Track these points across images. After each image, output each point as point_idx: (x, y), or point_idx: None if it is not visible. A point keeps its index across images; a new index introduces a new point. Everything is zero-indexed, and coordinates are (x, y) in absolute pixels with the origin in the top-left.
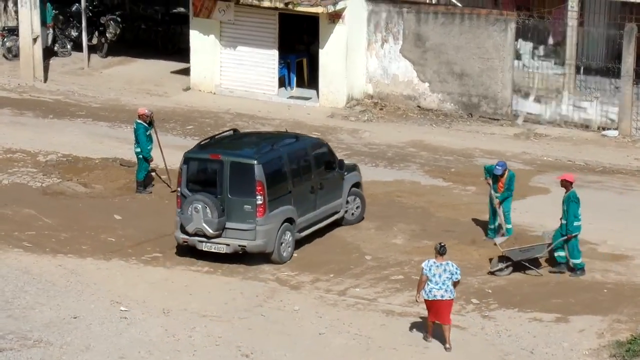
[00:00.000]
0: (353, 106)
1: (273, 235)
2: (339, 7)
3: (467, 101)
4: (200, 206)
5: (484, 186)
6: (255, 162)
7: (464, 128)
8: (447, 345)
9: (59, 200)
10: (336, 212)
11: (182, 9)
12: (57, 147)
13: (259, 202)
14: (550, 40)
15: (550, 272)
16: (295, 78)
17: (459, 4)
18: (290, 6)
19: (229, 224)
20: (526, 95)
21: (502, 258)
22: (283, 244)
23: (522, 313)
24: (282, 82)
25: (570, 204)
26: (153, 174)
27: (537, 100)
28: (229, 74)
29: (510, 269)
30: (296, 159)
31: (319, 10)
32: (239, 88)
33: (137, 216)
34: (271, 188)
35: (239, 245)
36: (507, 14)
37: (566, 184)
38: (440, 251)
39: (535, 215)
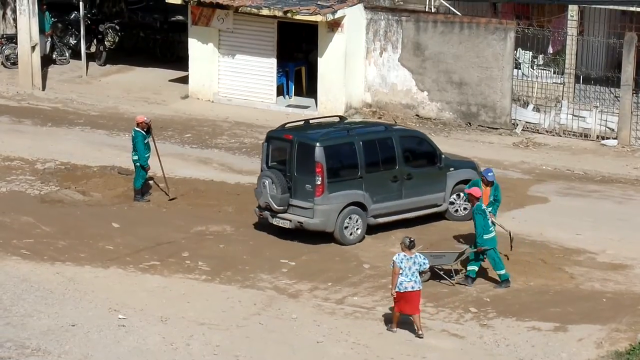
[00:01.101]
0: (351, 115)
1: (332, 216)
2: (337, 15)
3: (466, 110)
4: (267, 182)
5: None
6: (318, 144)
7: (463, 137)
8: (420, 332)
9: (57, 208)
10: (435, 205)
11: (180, 17)
12: (56, 155)
13: (318, 182)
14: (550, 50)
15: (456, 283)
16: (293, 86)
17: (458, 13)
18: (289, 14)
19: (293, 201)
20: (525, 105)
21: None
22: (348, 227)
23: (520, 322)
24: (281, 91)
25: (476, 217)
26: (151, 182)
27: (536, 109)
28: (227, 82)
29: (429, 274)
30: (374, 147)
31: (317, 18)
32: (238, 96)
33: (135, 224)
34: (334, 171)
35: (298, 222)
36: (506, 23)
37: (472, 199)
38: (409, 246)
39: (533, 224)
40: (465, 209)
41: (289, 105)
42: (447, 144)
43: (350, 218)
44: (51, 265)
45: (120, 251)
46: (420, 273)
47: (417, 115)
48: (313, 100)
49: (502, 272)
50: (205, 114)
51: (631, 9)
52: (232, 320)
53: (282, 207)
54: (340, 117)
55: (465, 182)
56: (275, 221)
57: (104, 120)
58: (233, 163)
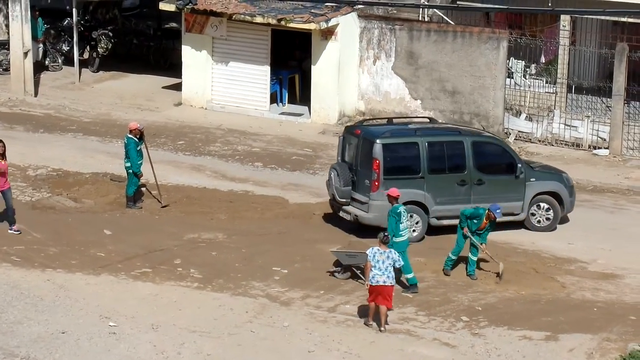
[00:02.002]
0: (345, 123)
1: (386, 213)
2: (331, 23)
3: (458, 119)
4: (333, 174)
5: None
6: (377, 140)
7: None
8: (382, 329)
9: (49, 215)
10: (511, 214)
11: (174, 24)
12: (47, 162)
13: (374, 177)
14: (542, 59)
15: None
16: (287, 94)
17: (451, 22)
18: (282, 22)
19: (355, 195)
20: (518, 114)
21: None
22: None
23: (511, 331)
24: (274, 98)
25: (389, 219)
26: (143, 189)
27: (529, 118)
28: (221, 89)
29: (348, 273)
30: (441, 149)
31: (311, 26)
32: (231, 104)
33: (127, 231)
34: (392, 168)
35: (355, 215)
36: (499, 33)
37: (390, 199)
38: (384, 240)
39: (525, 233)
40: (547, 219)
41: (282, 113)
42: None
43: (411, 216)
44: (42, 272)
45: (111, 258)
46: (397, 269)
47: None
48: (306, 108)
49: (410, 276)
50: (198, 121)
51: (623, 19)
52: (223, 328)
53: (344, 200)
54: (430, 118)
55: (548, 193)
56: (341, 213)
57: (97, 127)
58: (226, 170)
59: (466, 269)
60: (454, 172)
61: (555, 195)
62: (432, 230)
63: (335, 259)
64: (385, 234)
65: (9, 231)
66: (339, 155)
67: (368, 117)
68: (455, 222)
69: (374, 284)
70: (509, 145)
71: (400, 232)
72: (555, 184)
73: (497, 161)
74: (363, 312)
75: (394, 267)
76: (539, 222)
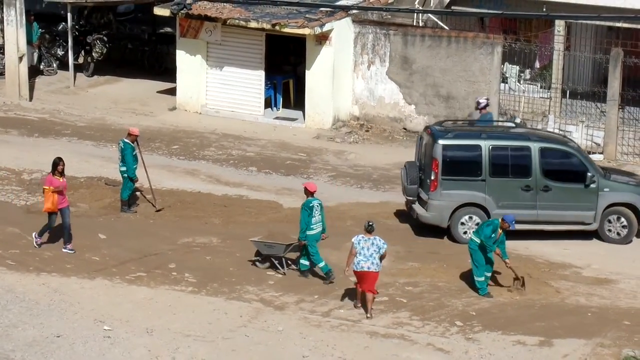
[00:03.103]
0: (339, 127)
1: (445, 213)
2: (325, 28)
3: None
4: (402, 172)
5: None
6: (439, 141)
7: None
8: (368, 315)
9: (44, 219)
10: (582, 223)
11: (169, 29)
12: (42, 166)
13: (432, 177)
14: (537, 64)
15: (299, 275)
16: (281, 99)
17: (445, 27)
18: (277, 27)
19: (421, 193)
20: (512, 119)
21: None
22: (464, 225)
23: (505, 336)
24: (268, 103)
25: (302, 212)
26: (138, 193)
27: (523, 123)
28: (215, 94)
29: (268, 263)
30: (505, 153)
31: (305, 31)
32: (225, 108)
33: (122, 235)
34: (452, 169)
35: (417, 213)
36: (493, 38)
37: (306, 192)
38: (368, 229)
39: (520, 238)
40: (622, 231)
41: (276, 118)
42: None
43: (470, 218)
44: (37, 276)
45: (106, 262)
46: (380, 257)
47: (405, 128)
48: (301, 112)
49: (322, 264)
50: (192, 126)
51: (617, 24)
52: (218, 332)
53: (411, 197)
54: (516, 123)
55: (624, 205)
56: (410, 211)
57: (91, 131)
58: (220, 175)
59: (478, 288)
60: (518, 177)
61: (632, 207)
62: (427, 234)
63: (257, 249)
64: (370, 222)
65: (64, 250)
66: (415, 153)
67: (453, 119)
68: (521, 227)
69: (358, 270)
70: (583, 153)
71: (312, 226)
72: (631, 195)
73: (566, 168)
74: (352, 295)
75: (379, 254)
76: (613, 233)
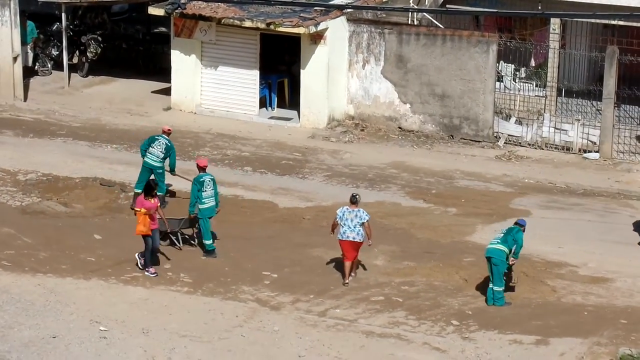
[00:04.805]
0: (334, 127)
1: None
2: (320, 27)
3: (448, 123)
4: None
5: (464, 207)
6: None
7: (445, 149)
8: (346, 281)
9: (39, 220)
10: None
11: (163, 29)
12: (37, 166)
13: None
14: (532, 63)
15: (202, 256)
16: (276, 98)
17: (440, 26)
18: (271, 27)
19: None
20: (507, 117)
21: None
22: None
23: (502, 335)
24: (263, 103)
25: (192, 187)
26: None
27: (519, 122)
28: (210, 94)
29: (167, 240)
30: None
31: (300, 30)
32: (220, 108)
33: (117, 236)
34: None
35: None
36: (488, 36)
37: (198, 167)
38: (352, 200)
39: None
40: None
41: (271, 117)
42: (429, 157)
43: None
44: (32, 277)
45: (102, 263)
46: (361, 223)
47: (400, 127)
48: (296, 112)
49: (209, 242)
50: (187, 126)
51: (613, 22)
52: (214, 333)
53: None
54: None
55: None
56: None
57: (86, 132)
58: (215, 175)
59: (499, 298)
60: None
61: None
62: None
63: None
64: (355, 194)
65: (146, 273)
66: None
67: None
68: None
69: (343, 239)
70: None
71: (204, 200)
72: None
73: None
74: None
75: (361, 223)
76: None
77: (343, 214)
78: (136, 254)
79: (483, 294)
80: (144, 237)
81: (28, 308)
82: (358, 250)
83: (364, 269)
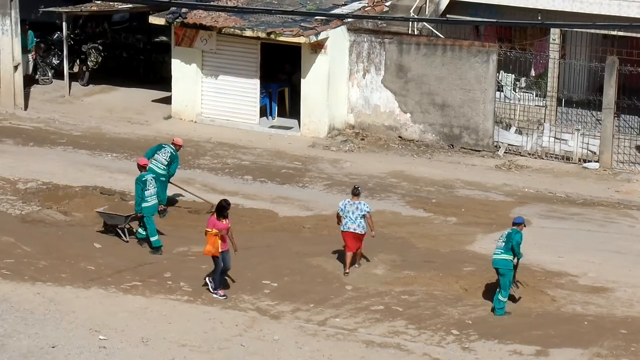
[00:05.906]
0: (334, 136)
1: None
2: (321, 37)
3: (448, 132)
4: None
5: (464, 217)
6: None
7: (446, 159)
8: (346, 271)
9: (39, 228)
10: None
11: (164, 38)
12: (37, 175)
13: None
14: (532, 72)
15: (137, 242)
16: (276, 107)
17: (441, 35)
18: (272, 36)
19: None
20: (508, 127)
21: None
22: None
23: (502, 345)
24: (264, 112)
25: (136, 186)
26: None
27: (519, 131)
28: (211, 103)
29: (113, 232)
30: None
31: (301, 40)
32: (220, 117)
33: (117, 244)
34: None
35: None
36: (489, 46)
37: (138, 167)
38: (354, 192)
39: None
40: None
41: (272, 126)
42: (429, 166)
43: None
44: (32, 286)
45: (101, 271)
46: (362, 215)
47: (400, 137)
48: (296, 121)
49: (154, 238)
50: (188, 135)
51: (613, 33)
52: (213, 342)
53: None
54: None
55: None
56: None
57: (87, 141)
58: (216, 183)
59: (499, 307)
60: None
61: None
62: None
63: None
64: (357, 187)
65: (214, 295)
66: None
67: None
68: None
69: (345, 230)
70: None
71: (147, 198)
72: None
73: None
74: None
75: (362, 215)
76: None
77: (345, 207)
78: (206, 277)
79: (483, 304)
80: (214, 258)
81: (27, 317)
82: (361, 242)
83: (367, 260)
